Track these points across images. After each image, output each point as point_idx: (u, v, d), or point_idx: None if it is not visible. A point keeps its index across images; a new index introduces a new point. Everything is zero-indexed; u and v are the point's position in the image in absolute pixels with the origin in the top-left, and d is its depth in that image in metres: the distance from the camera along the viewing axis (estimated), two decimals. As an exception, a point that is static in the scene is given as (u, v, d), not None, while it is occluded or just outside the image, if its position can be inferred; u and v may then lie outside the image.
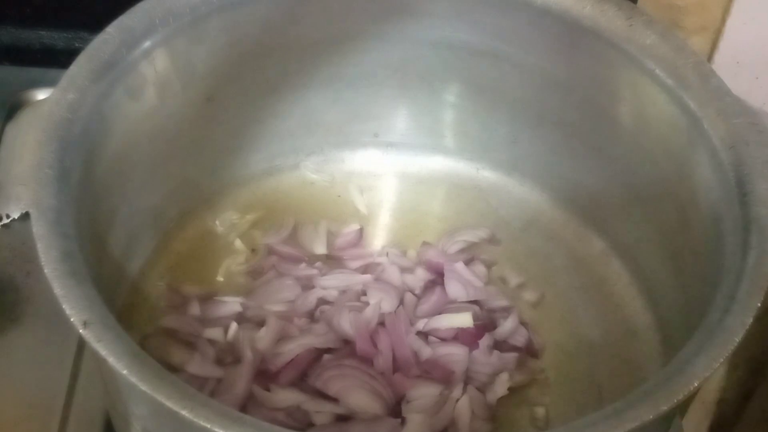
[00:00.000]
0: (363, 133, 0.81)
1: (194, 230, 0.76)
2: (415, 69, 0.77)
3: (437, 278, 0.75)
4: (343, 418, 0.66)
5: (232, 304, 0.71)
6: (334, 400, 0.66)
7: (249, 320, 0.71)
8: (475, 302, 0.73)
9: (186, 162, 0.73)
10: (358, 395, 0.66)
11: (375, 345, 0.69)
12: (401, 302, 0.73)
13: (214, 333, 0.69)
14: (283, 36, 0.72)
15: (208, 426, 0.47)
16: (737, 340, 0.52)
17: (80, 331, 0.50)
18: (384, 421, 0.65)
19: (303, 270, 0.75)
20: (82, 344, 0.71)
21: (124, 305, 0.69)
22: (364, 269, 0.76)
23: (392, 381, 0.68)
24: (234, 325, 0.69)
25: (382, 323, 0.71)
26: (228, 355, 0.68)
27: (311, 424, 0.66)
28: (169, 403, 0.48)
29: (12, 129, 0.60)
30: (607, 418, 0.50)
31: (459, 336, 0.71)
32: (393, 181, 0.82)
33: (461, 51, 0.74)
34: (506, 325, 0.72)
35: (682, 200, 0.66)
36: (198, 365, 0.67)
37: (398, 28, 0.74)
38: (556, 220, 0.79)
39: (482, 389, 0.69)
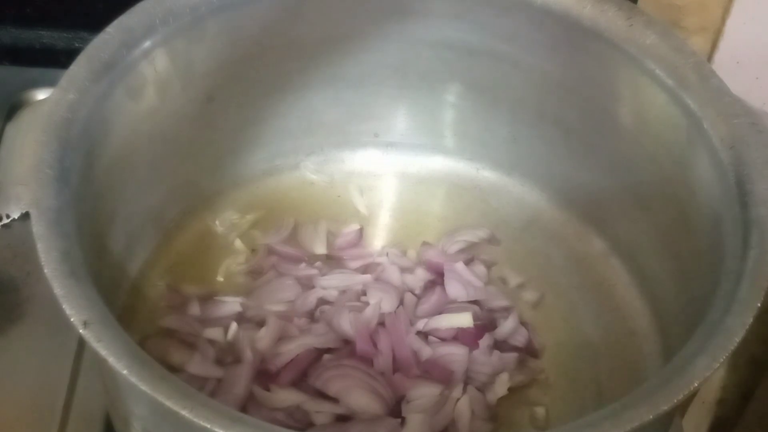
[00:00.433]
0: (363, 133, 0.81)
1: (194, 230, 0.76)
2: (415, 69, 0.77)
3: (437, 278, 0.75)
4: (343, 418, 0.66)
5: (232, 304, 0.71)
6: (334, 400, 0.66)
7: (249, 320, 0.71)
8: (475, 302, 0.73)
9: (186, 162, 0.73)
10: (358, 395, 0.66)
11: (375, 345, 0.69)
12: (401, 302, 0.73)
13: (214, 333, 0.69)
14: (283, 36, 0.72)
15: (208, 426, 0.47)
16: (737, 340, 0.52)
17: (80, 331, 0.50)
18: (384, 421, 0.65)
19: (303, 270, 0.75)
20: (82, 344, 0.71)
21: (124, 305, 0.69)
22: (364, 269, 0.76)
23: (392, 381, 0.68)
24: (234, 325, 0.69)
25: (382, 323, 0.71)
26: (228, 355, 0.68)
27: (311, 424, 0.66)
28: (169, 403, 0.48)
29: (12, 129, 0.60)
30: (607, 418, 0.50)
31: (459, 336, 0.71)
32: (393, 181, 0.82)
33: (461, 51, 0.74)
34: (506, 325, 0.72)
35: (682, 200, 0.66)
36: (198, 365, 0.67)
37: (398, 28, 0.74)
38: (556, 220, 0.78)
39: (482, 389, 0.69)
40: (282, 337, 0.69)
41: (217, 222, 0.77)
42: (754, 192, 0.59)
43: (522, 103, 0.75)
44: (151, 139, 0.68)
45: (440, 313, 0.72)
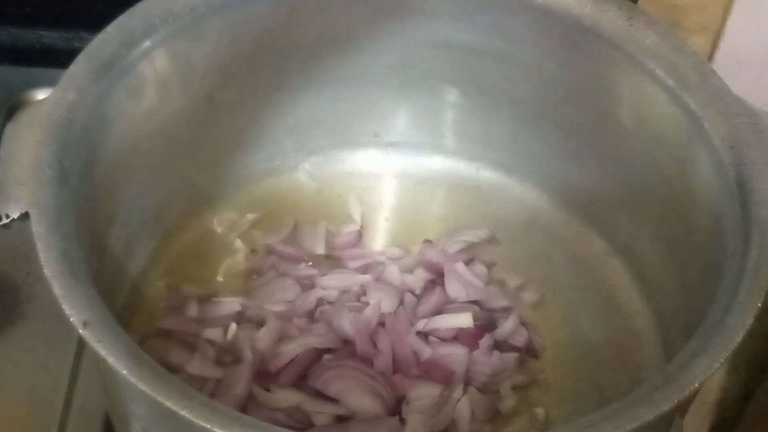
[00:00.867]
0: (363, 133, 0.81)
1: (194, 230, 0.76)
2: (415, 69, 0.77)
3: (437, 278, 0.75)
4: (343, 419, 0.66)
5: (231, 304, 0.71)
6: (334, 400, 0.66)
7: (249, 320, 0.71)
8: (475, 302, 0.73)
9: (186, 162, 0.73)
10: (358, 396, 0.66)
11: (375, 345, 0.69)
12: (401, 302, 0.73)
13: (213, 333, 0.69)
14: (283, 36, 0.72)
15: (208, 426, 0.47)
16: (738, 341, 0.52)
17: (80, 331, 0.50)
18: (384, 421, 0.65)
19: (303, 270, 0.75)
20: (82, 344, 0.71)
21: (124, 305, 0.69)
22: (364, 269, 0.76)
23: (392, 381, 0.68)
24: (233, 326, 0.69)
25: (382, 323, 0.71)
26: (228, 356, 0.68)
27: (311, 425, 0.65)
28: (169, 403, 0.48)
29: (12, 129, 0.60)
30: (607, 419, 0.50)
31: (459, 336, 0.71)
32: (393, 181, 0.82)
33: (461, 51, 0.74)
34: (506, 326, 0.72)
35: (682, 200, 0.66)
36: (198, 365, 0.67)
37: (398, 28, 0.74)
38: (556, 220, 0.78)
39: (482, 390, 0.69)
40: (282, 337, 0.69)
41: (216, 222, 0.77)
42: (754, 192, 0.59)
43: (522, 103, 0.75)
44: (151, 139, 0.68)
45: (440, 313, 0.72)
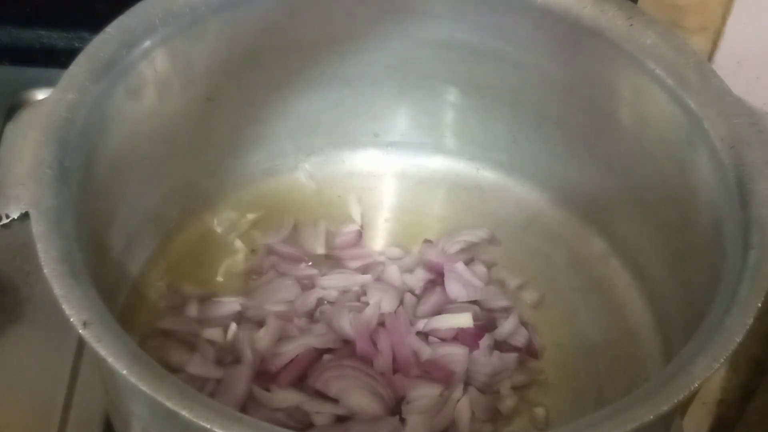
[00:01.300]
0: (363, 133, 0.81)
1: (194, 230, 0.76)
2: (415, 69, 0.77)
3: (437, 278, 0.75)
4: (343, 419, 0.66)
5: (231, 304, 0.71)
6: (334, 400, 0.66)
7: (249, 320, 0.71)
8: (475, 302, 0.73)
9: (186, 162, 0.73)
10: (358, 396, 0.66)
11: (375, 345, 0.69)
12: (401, 302, 0.73)
13: (213, 333, 0.69)
14: (283, 36, 0.72)
15: (208, 426, 0.47)
16: (738, 341, 0.52)
17: (80, 331, 0.50)
18: (384, 421, 0.65)
19: (303, 270, 0.75)
20: (82, 344, 0.71)
21: (124, 305, 0.69)
22: (364, 269, 0.76)
23: (392, 381, 0.68)
24: (233, 326, 0.69)
25: (382, 323, 0.71)
26: (228, 356, 0.68)
27: (311, 425, 0.65)
28: (169, 404, 0.48)
29: (12, 129, 0.60)
30: (607, 419, 0.50)
31: (459, 336, 0.71)
32: (393, 181, 0.82)
33: (461, 51, 0.74)
34: (506, 326, 0.72)
35: (682, 200, 0.66)
36: (197, 366, 0.67)
37: (398, 28, 0.74)
38: (556, 220, 0.78)
39: (482, 390, 0.69)
40: (282, 338, 0.69)
41: (216, 222, 0.77)
42: (754, 192, 0.59)
43: (522, 103, 0.75)
44: (151, 139, 0.68)
45: (440, 313, 0.72)
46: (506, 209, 0.80)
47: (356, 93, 0.78)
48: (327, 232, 0.77)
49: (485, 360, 0.70)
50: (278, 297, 0.73)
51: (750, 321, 0.53)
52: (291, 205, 0.79)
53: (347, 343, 0.70)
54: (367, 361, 0.68)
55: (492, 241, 0.78)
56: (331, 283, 0.74)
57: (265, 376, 0.67)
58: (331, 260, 0.76)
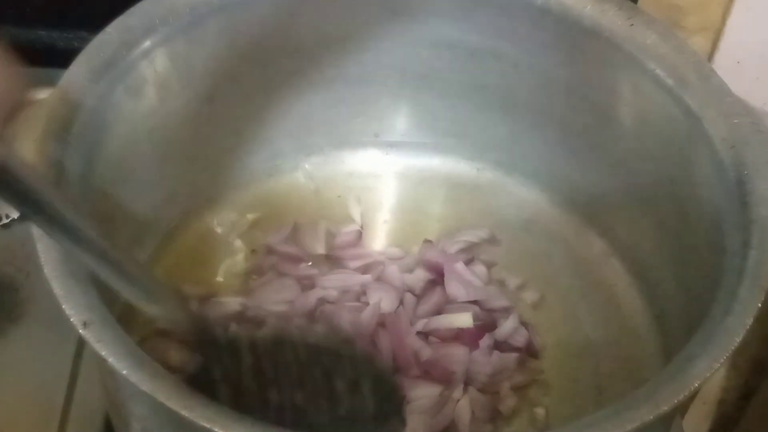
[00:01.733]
0: (363, 133, 0.81)
1: (194, 230, 0.76)
2: (415, 69, 0.77)
3: (437, 278, 0.75)
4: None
5: (231, 304, 0.71)
6: None
7: (249, 320, 0.71)
8: (475, 302, 0.73)
9: (186, 162, 0.73)
10: None
11: (375, 345, 0.69)
12: (401, 302, 0.73)
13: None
14: (283, 36, 0.72)
15: (208, 426, 0.47)
16: (738, 341, 0.52)
17: (80, 331, 0.50)
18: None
19: (303, 270, 0.75)
20: (82, 344, 0.71)
21: (124, 305, 0.69)
22: (364, 269, 0.76)
23: None
24: (233, 326, 0.69)
25: (382, 323, 0.71)
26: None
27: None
28: (169, 404, 0.47)
29: (12, 129, 0.60)
30: (607, 419, 0.50)
31: (459, 336, 0.71)
32: (393, 181, 0.82)
33: (461, 51, 0.74)
34: (506, 326, 0.72)
35: (682, 200, 0.66)
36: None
37: (398, 28, 0.74)
38: (556, 220, 0.78)
39: (482, 390, 0.69)
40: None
41: (216, 222, 0.77)
42: (754, 192, 0.59)
43: (522, 103, 0.75)
44: (151, 139, 0.68)
45: (440, 313, 0.72)
46: (506, 209, 0.80)
47: (356, 93, 0.78)
48: (327, 232, 0.77)
49: (485, 360, 0.70)
50: (278, 297, 0.73)
51: (750, 321, 0.53)
52: (291, 205, 0.79)
53: (347, 342, 0.70)
54: (367, 361, 0.68)
55: (492, 241, 0.78)
56: (331, 283, 0.74)
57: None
58: (331, 260, 0.76)
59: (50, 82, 0.61)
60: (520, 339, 0.72)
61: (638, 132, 0.69)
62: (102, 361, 0.50)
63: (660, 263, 0.70)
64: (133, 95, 0.64)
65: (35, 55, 0.91)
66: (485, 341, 0.71)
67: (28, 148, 0.57)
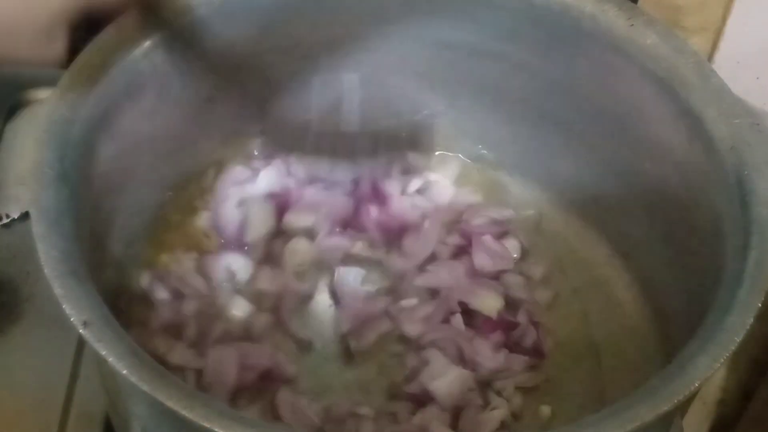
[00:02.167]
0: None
1: (195, 228, 0.76)
2: (415, 69, 0.77)
3: (467, 246, 0.75)
4: None
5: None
6: None
7: None
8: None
9: (186, 162, 0.73)
10: None
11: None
12: None
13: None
14: (283, 36, 0.72)
15: (208, 425, 0.47)
16: (738, 341, 0.52)
17: (80, 331, 0.50)
18: None
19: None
20: (81, 344, 0.71)
21: (124, 305, 0.69)
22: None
23: None
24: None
25: None
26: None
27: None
28: (170, 403, 0.48)
29: (12, 129, 0.60)
30: (607, 418, 0.50)
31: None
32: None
33: (462, 51, 0.74)
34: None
35: (682, 200, 0.66)
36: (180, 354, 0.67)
37: (398, 28, 0.74)
38: (556, 220, 0.78)
39: (482, 381, 0.69)
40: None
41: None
42: (754, 192, 0.59)
43: (522, 103, 0.75)
44: (151, 139, 0.68)
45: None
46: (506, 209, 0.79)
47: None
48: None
49: (491, 354, 0.70)
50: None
51: (750, 321, 0.53)
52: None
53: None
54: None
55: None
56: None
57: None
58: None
59: (50, 82, 0.61)
60: (528, 339, 0.72)
61: (638, 132, 0.69)
62: (102, 362, 0.50)
63: (660, 263, 0.70)
64: (133, 95, 0.64)
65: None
66: (497, 336, 0.71)
67: (28, 148, 0.57)
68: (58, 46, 0.53)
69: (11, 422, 0.68)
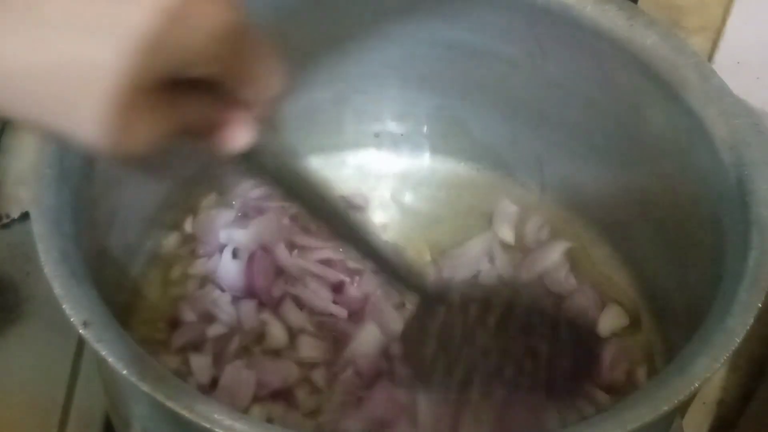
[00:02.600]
0: (363, 133, 0.81)
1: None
2: (415, 69, 0.77)
3: None
4: None
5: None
6: None
7: None
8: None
9: (186, 161, 0.73)
10: None
11: None
12: None
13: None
14: (283, 36, 0.71)
15: (208, 426, 0.47)
16: (738, 341, 0.52)
17: (80, 331, 0.50)
18: None
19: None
20: (81, 344, 0.71)
21: (124, 305, 0.69)
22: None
23: None
24: None
25: None
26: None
27: None
28: (170, 403, 0.48)
29: (12, 128, 0.60)
30: (607, 419, 0.50)
31: None
32: (393, 181, 0.82)
33: (462, 51, 0.74)
34: None
35: (682, 200, 0.66)
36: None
37: (399, 28, 0.74)
38: (556, 221, 0.78)
39: None
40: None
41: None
42: (754, 192, 0.59)
43: (522, 103, 0.75)
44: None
45: None
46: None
47: (357, 93, 0.78)
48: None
49: None
50: None
51: (750, 321, 0.53)
52: (291, 205, 0.79)
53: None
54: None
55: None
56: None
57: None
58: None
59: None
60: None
61: (638, 132, 0.69)
62: (102, 361, 0.50)
63: (661, 263, 0.70)
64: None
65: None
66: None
67: (28, 148, 0.57)
68: None
69: (11, 422, 0.68)
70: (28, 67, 0.35)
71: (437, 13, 0.72)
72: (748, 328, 0.53)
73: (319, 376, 0.68)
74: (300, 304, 0.71)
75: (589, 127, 0.73)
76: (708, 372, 0.52)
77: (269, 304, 0.70)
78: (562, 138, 0.75)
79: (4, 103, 0.36)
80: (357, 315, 0.71)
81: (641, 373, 0.69)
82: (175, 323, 0.70)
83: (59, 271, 0.52)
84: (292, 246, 0.74)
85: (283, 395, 0.67)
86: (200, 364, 0.66)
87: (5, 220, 0.67)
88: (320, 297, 0.71)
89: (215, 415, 0.47)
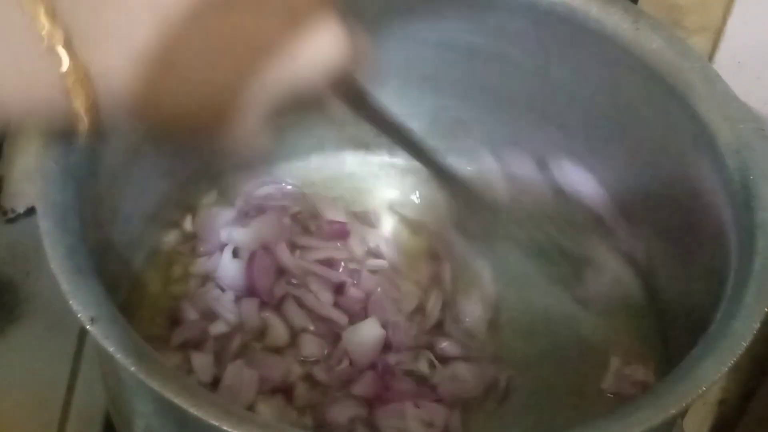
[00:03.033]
0: (363, 134, 0.81)
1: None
2: (416, 69, 0.77)
3: None
4: None
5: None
6: None
7: None
8: None
9: (188, 160, 0.73)
10: None
11: None
12: None
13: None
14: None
15: (217, 424, 0.47)
16: (745, 345, 0.53)
17: (87, 327, 0.49)
18: None
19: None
20: (81, 344, 0.71)
21: (127, 301, 0.69)
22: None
23: None
24: None
25: None
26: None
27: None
28: (178, 401, 0.47)
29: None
30: (614, 421, 0.50)
31: None
32: (393, 181, 0.81)
33: (464, 51, 0.74)
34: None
35: (686, 204, 0.66)
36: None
37: (400, 28, 0.74)
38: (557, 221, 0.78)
39: None
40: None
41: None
42: (759, 196, 0.59)
43: (525, 104, 0.75)
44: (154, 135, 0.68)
45: None
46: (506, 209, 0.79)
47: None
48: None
49: None
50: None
51: (757, 325, 0.53)
52: (290, 205, 0.79)
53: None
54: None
55: None
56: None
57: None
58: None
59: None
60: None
61: (642, 135, 0.69)
62: (107, 358, 0.49)
63: (665, 267, 0.70)
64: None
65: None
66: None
67: (33, 144, 0.56)
68: None
69: (11, 422, 0.68)
70: None
71: (440, 13, 0.72)
72: (755, 332, 0.53)
73: (319, 371, 0.68)
74: (301, 304, 0.71)
75: (593, 130, 0.73)
76: (715, 376, 0.52)
77: (271, 303, 0.70)
78: (564, 140, 0.75)
79: None
80: (358, 317, 0.71)
81: (644, 375, 0.69)
82: (174, 320, 0.69)
83: (66, 266, 0.51)
84: (293, 246, 0.73)
85: (282, 391, 0.67)
86: (202, 362, 0.66)
87: (11, 215, 0.67)
88: (322, 300, 0.71)
89: (224, 413, 0.47)
